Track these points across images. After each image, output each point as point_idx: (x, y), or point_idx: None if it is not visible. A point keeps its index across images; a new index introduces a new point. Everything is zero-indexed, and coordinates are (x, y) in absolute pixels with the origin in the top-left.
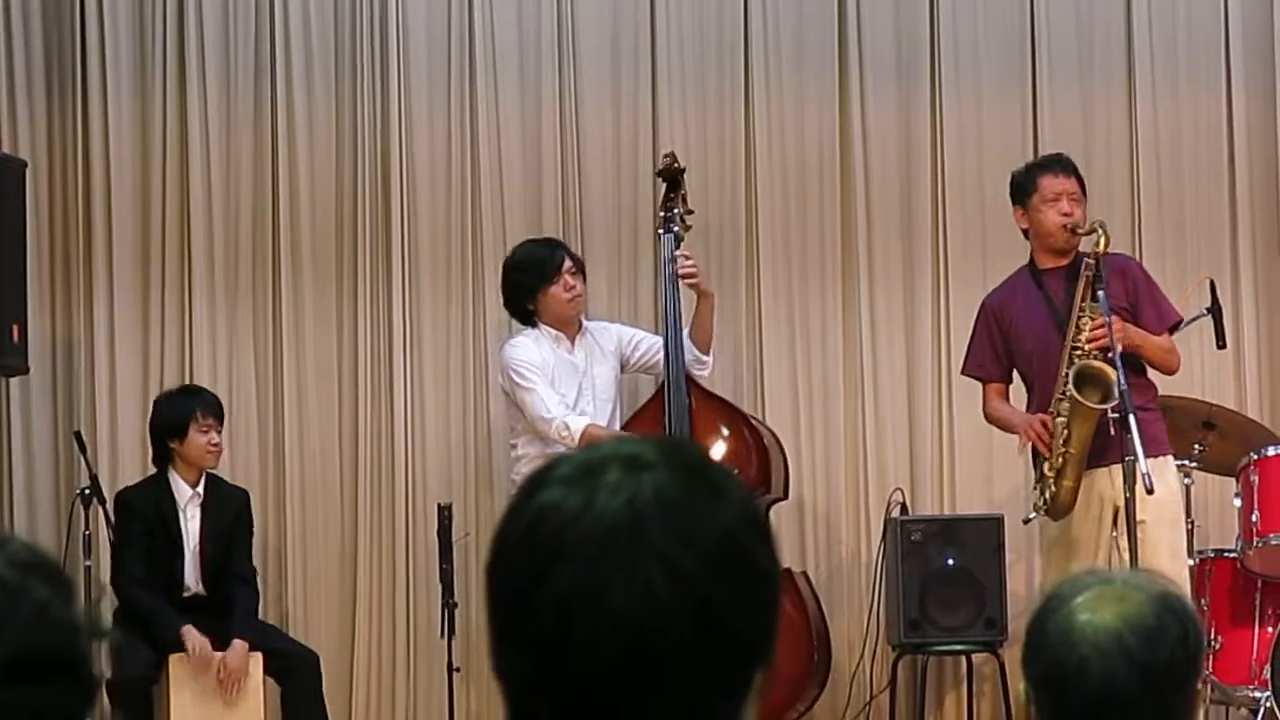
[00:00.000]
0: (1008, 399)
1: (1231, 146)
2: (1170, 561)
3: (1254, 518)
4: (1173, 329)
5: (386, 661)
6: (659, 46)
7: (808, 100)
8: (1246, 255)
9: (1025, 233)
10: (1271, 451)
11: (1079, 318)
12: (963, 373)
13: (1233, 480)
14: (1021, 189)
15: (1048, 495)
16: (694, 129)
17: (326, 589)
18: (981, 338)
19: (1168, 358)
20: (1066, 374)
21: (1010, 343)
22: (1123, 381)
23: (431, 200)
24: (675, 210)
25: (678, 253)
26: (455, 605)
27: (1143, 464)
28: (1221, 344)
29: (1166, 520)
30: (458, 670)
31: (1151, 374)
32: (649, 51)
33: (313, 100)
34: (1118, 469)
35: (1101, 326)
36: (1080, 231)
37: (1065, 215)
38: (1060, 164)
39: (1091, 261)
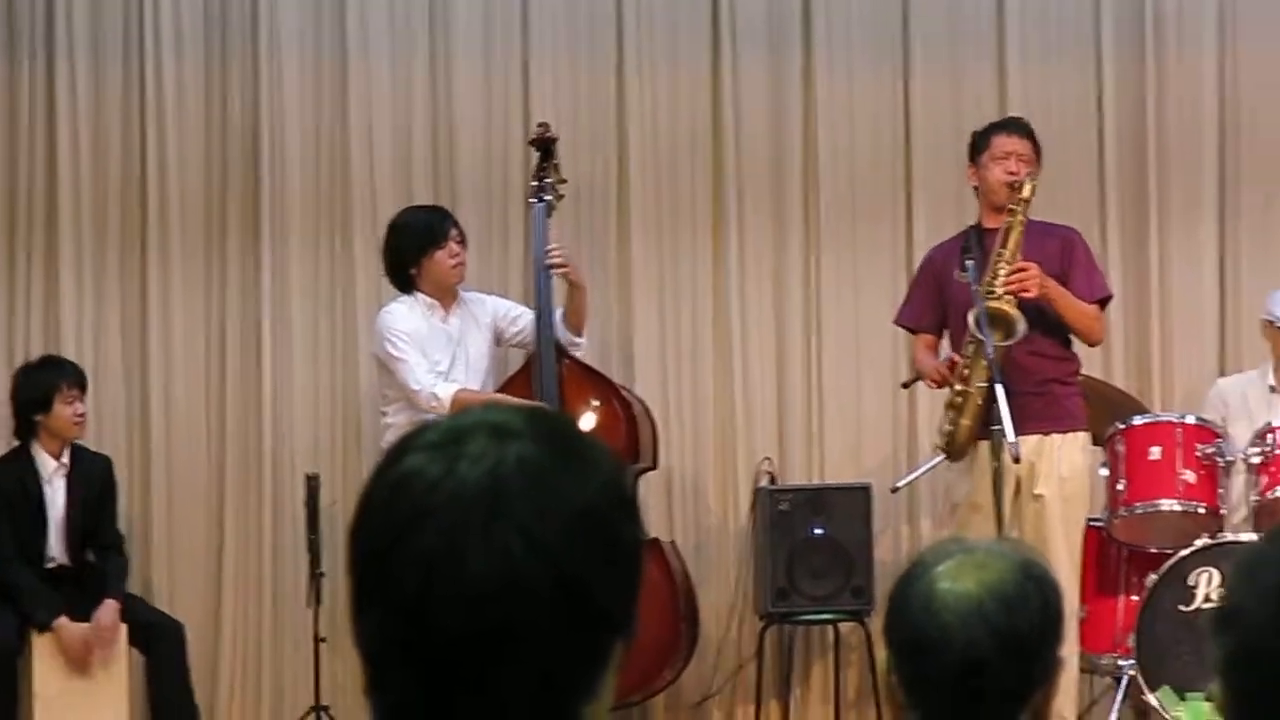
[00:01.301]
0: (936, 352)
1: (1101, 119)
2: (1064, 538)
3: (1120, 487)
4: (1102, 304)
5: (253, 631)
6: (531, 14)
7: (680, 69)
8: (1115, 227)
9: (976, 190)
10: (1138, 421)
11: (995, 263)
12: (895, 322)
13: (1100, 450)
14: (975, 147)
15: (946, 433)
16: (565, 98)
17: (192, 559)
18: (918, 289)
19: (1090, 323)
20: (971, 314)
21: (945, 297)
22: (989, 352)
23: (301, 169)
24: (548, 180)
25: (549, 248)
26: (323, 575)
27: (1009, 434)
28: None
29: (1067, 496)
30: (324, 640)
31: (1076, 346)
32: (520, 19)
33: (182, 68)
34: (1025, 439)
35: (1018, 270)
36: (1018, 188)
37: (1010, 174)
38: (1016, 126)
39: (1015, 207)
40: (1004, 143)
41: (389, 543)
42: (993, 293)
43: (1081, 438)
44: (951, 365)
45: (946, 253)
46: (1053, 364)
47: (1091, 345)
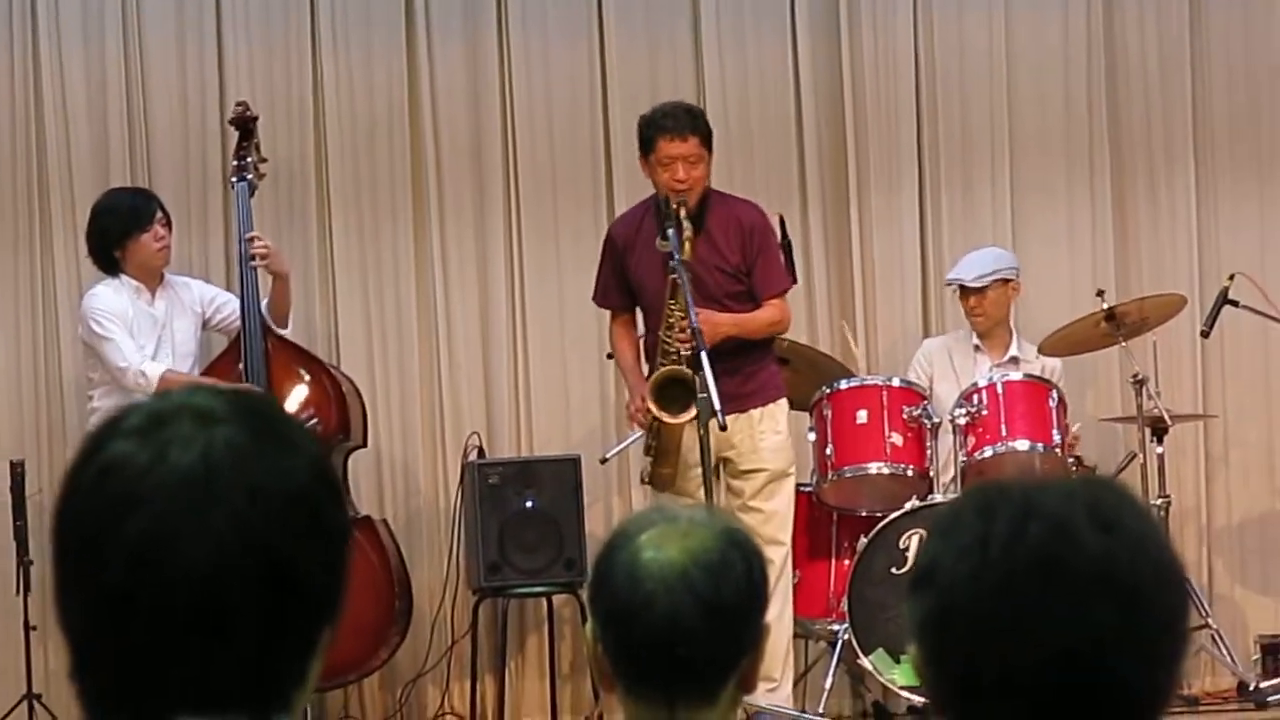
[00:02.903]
0: (634, 327)
1: (798, 91)
2: (777, 507)
3: (828, 451)
4: (783, 292)
5: None
6: None
7: (375, 47)
8: (815, 195)
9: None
10: (844, 385)
11: (668, 314)
12: (593, 300)
13: (806, 415)
14: (644, 143)
15: (648, 473)
16: (261, 78)
17: None
18: (606, 268)
19: (772, 329)
20: (648, 386)
21: (631, 272)
22: (694, 320)
23: None
24: (249, 159)
25: (249, 235)
26: (30, 562)
27: (715, 402)
28: (793, 279)
29: (775, 466)
30: (34, 628)
31: None
32: (214, 3)
33: None
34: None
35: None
36: (686, 204)
37: (679, 182)
38: (678, 125)
39: (674, 264)
40: (668, 147)
41: (98, 529)
42: (670, 350)
43: (782, 406)
44: (641, 411)
45: (626, 226)
46: (743, 342)
47: (781, 335)
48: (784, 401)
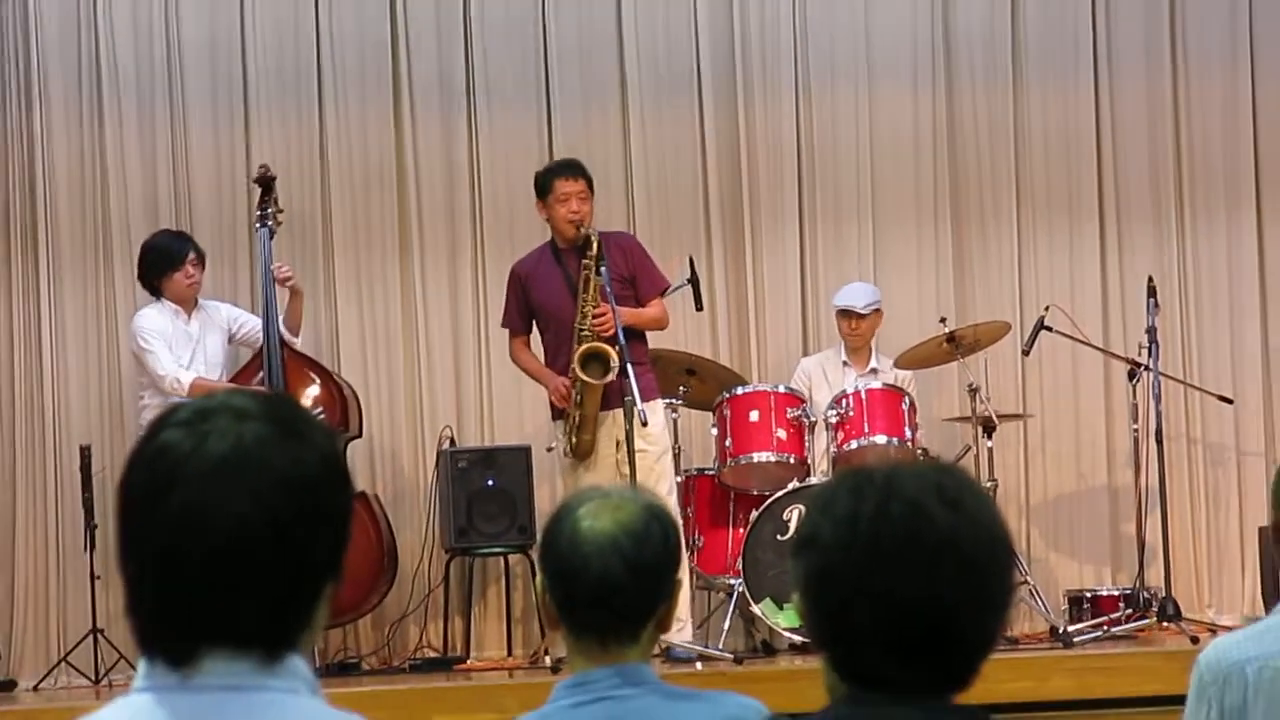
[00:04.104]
0: (529, 347)
1: (704, 159)
2: (666, 480)
3: (727, 443)
4: (662, 293)
5: (41, 571)
6: (250, 78)
7: (369, 121)
8: (718, 239)
9: (548, 220)
10: (740, 391)
11: (582, 305)
12: (501, 325)
13: (710, 414)
14: (542, 188)
15: (570, 444)
16: (279, 145)
17: None
18: (511, 298)
19: (657, 323)
20: (574, 357)
21: (532, 304)
22: (621, 339)
23: (69, 205)
24: (269, 210)
25: (275, 265)
26: (95, 526)
27: (639, 405)
28: (699, 307)
29: (659, 450)
30: (99, 577)
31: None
32: (241, 85)
33: None
34: (619, 411)
35: (603, 313)
36: (582, 230)
37: (573, 213)
38: (571, 169)
39: (588, 262)
40: (563, 186)
41: (151, 499)
42: (585, 334)
43: (659, 403)
44: (566, 388)
45: (525, 263)
46: (631, 350)
47: (661, 331)
48: (660, 401)
